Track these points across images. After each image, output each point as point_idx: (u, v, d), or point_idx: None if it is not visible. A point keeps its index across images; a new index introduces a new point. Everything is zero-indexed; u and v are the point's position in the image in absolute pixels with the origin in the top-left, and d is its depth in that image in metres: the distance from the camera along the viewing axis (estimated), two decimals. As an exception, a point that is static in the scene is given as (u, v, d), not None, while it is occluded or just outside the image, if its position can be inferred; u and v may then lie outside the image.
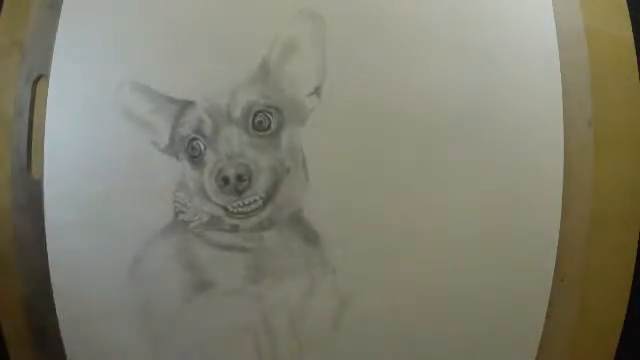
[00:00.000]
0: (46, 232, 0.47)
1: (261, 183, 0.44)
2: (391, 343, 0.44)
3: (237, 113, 0.44)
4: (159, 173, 0.45)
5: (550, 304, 0.44)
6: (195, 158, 0.45)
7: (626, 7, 0.46)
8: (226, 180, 0.44)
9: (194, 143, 0.45)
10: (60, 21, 0.47)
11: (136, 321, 0.46)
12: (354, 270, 0.44)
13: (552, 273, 0.43)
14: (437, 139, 0.44)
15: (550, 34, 0.44)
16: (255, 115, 0.44)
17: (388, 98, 0.44)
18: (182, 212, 0.45)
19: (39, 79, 0.48)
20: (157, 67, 0.46)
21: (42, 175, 0.47)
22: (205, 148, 0.44)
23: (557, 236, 0.43)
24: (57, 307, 0.47)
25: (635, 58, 0.45)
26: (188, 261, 0.45)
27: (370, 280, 0.44)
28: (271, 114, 0.44)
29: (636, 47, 0.46)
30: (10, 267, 0.48)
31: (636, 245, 0.45)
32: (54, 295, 0.47)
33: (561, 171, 0.44)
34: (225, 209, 0.44)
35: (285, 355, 0.45)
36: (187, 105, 0.45)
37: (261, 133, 0.44)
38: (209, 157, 0.44)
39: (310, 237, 0.44)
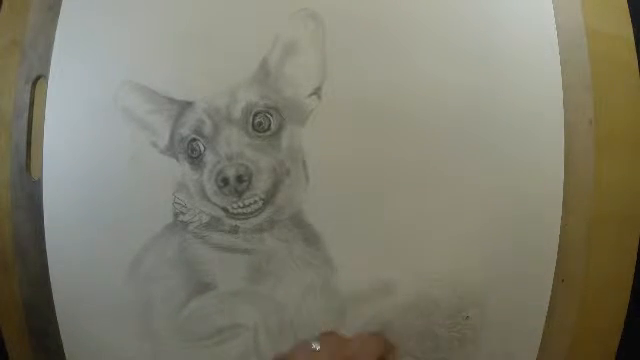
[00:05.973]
0: (45, 232, 0.47)
1: (261, 184, 0.44)
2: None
3: (237, 114, 0.44)
4: (158, 174, 0.45)
5: (550, 304, 0.44)
6: (195, 159, 0.45)
7: (626, 7, 0.46)
8: (226, 181, 0.44)
9: (194, 144, 0.45)
10: (59, 22, 0.47)
11: (136, 321, 0.46)
12: (354, 270, 0.44)
13: (553, 274, 0.44)
14: (437, 139, 0.44)
15: (551, 34, 0.44)
16: (255, 116, 0.44)
17: (388, 99, 0.44)
18: (182, 213, 0.45)
19: (38, 79, 0.48)
20: (157, 68, 0.46)
21: (41, 175, 0.47)
22: (205, 149, 0.44)
23: (558, 236, 0.43)
24: (57, 307, 0.47)
25: (635, 58, 0.45)
26: (188, 262, 0.45)
27: (371, 280, 0.44)
28: (271, 115, 0.44)
29: (636, 47, 0.46)
30: (10, 267, 0.48)
31: (636, 245, 0.45)
32: (54, 295, 0.47)
33: (562, 171, 0.44)
34: (225, 210, 0.44)
35: (285, 355, 0.45)
36: (187, 106, 0.45)
37: (261, 134, 0.44)
38: (209, 158, 0.44)
39: (310, 237, 0.44)
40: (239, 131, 0.44)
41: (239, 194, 0.44)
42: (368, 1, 0.45)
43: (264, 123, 0.44)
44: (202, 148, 0.45)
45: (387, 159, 0.44)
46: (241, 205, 0.44)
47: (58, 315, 0.47)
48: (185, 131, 0.45)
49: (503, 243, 0.44)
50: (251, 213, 0.44)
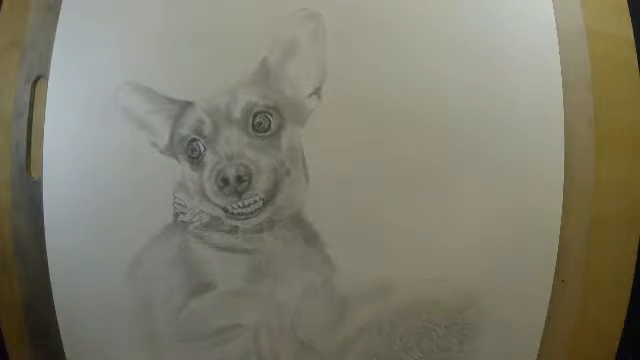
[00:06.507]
0: (45, 232, 0.47)
1: (261, 184, 0.44)
2: (391, 343, 0.44)
3: (237, 114, 0.44)
4: (158, 174, 0.45)
5: (550, 304, 0.44)
6: (195, 159, 0.45)
7: (626, 7, 0.46)
8: (226, 181, 0.44)
9: (194, 144, 0.45)
10: (59, 22, 0.47)
11: (136, 321, 0.46)
12: (354, 270, 0.44)
13: (553, 274, 0.44)
14: (437, 139, 0.44)
15: (551, 34, 0.44)
16: (255, 116, 0.44)
17: (388, 99, 0.44)
18: (182, 213, 0.45)
19: (38, 79, 0.48)
20: (156, 68, 0.46)
21: (41, 175, 0.47)
22: (205, 149, 0.44)
23: (558, 237, 0.43)
24: (56, 307, 0.47)
25: (635, 58, 0.45)
26: (188, 262, 0.45)
27: (370, 280, 0.44)
28: (271, 115, 0.44)
29: (636, 47, 0.46)
30: (10, 267, 0.48)
31: (636, 245, 0.45)
32: (53, 295, 0.47)
33: (561, 171, 0.44)
34: (225, 210, 0.44)
35: (285, 355, 0.45)
36: (187, 106, 0.45)
37: (261, 134, 0.44)
38: (209, 158, 0.44)
39: (310, 237, 0.44)
40: (239, 131, 0.44)
41: (239, 194, 0.44)
42: (368, 1, 0.45)
43: (264, 123, 0.44)
44: (202, 148, 0.44)
45: (387, 159, 0.44)
46: (241, 205, 0.44)
47: (58, 315, 0.47)
48: (185, 131, 0.45)
49: (503, 243, 0.44)
50: (251, 213, 0.44)
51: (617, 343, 0.45)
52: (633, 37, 0.46)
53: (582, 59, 0.45)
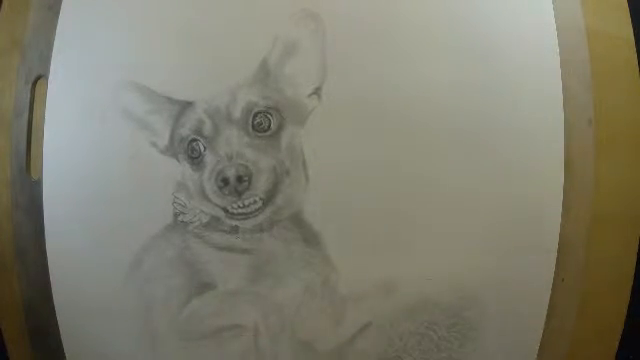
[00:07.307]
0: (45, 233, 0.47)
1: (261, 184, 0.44)
2: (391, 342, 0.44)
3: (237, 114, 0.44)
4: (158, 174, 0.45)
5: (550, 304, 0.44)
6: (195, 159, 0.45)
7: (626, 6, 0.46)
8: (226, 181, 0.44)
9: (194, 144, 0.45)
10: (59, 22, 0.47)
11: (136, 321, 0.46)
12: (354, 270, 0.44)
13: (553, 273, 0.44)
14: (437, 139, 0.44)
15: (550, 34, 0.44)
16: (255, 116, 0.44)
17: (388, 98, 0.44)
18: (182, 213, 0.45)
19: (38, 79, 0.48)
20: (156, 67, 0.46)
21: (41, 175, 0.47)
22: (205, 149, 0.44)
23: (558, 236, 0.43)
24: (56, 307, 0.47)
25: (635, 58, 0.45)
26: (188, 262, 0.45)
27: (370, 280, 0.44)
28: (271, 115, 0.44)
29: (636, 47, 0.46)
30: (10, 267, 0.48)
31: (636, 245, 0.45)
32: (53, 295, 0.47)
33: (561, 171, 0.44)
34: (225, 210, 0.44)
35: (285, 355, 0.45)
36: (187, 106, 0.45)
37: (261, 134, 0.44)
38: (209, 158, 0.44)
39: (310, 238, 0.44)
40: (239, 131, 0.44)
41: (239, 194, 0.44)
42: (368, 1, 0.45)
43: (264, 123, 0.44)
44: (202, 148, 0.44)
45: (387, 159, 0.44)
46: (241, 205, 0.44)
47: (58, 315, 0.47)
48: (185, 131, 0.45)
49: (503, 243, 0.44)
50: (251, 213, 0.44)
51: (617, 343, 0.45)
52: (633, 37, 0.46)
53: (582, 59, 0.45)
